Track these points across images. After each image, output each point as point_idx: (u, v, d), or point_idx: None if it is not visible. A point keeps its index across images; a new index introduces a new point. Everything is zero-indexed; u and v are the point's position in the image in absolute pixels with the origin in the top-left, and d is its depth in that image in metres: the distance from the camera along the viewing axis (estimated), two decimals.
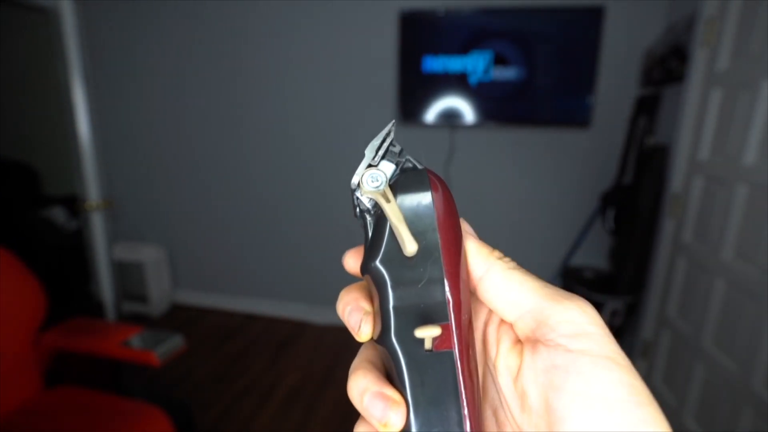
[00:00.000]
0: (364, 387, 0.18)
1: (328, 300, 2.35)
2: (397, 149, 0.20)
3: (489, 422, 0.21)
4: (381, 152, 0.20)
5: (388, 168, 0.20)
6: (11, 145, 2.49)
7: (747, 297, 1.13)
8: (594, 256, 2.03)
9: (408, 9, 1.88)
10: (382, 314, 0.18)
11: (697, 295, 1.37)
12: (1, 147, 2.46)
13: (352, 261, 0.22)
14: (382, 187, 0.19)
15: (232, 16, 2.11)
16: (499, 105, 1.90)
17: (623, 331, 1.81)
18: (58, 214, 2.29)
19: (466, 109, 1.92)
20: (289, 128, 2.20)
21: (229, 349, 2.11)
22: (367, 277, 0.19)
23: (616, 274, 1.82)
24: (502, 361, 0.20)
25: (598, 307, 1.76)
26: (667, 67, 1.57)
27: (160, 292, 2.43)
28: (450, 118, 1.94)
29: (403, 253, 0.18)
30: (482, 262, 0.20)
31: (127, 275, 2.38)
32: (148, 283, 2.36)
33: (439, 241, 0.19)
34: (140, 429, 1.03)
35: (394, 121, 0.21)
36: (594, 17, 1.74)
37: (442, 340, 0.18)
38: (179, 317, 2.43)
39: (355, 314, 0.20)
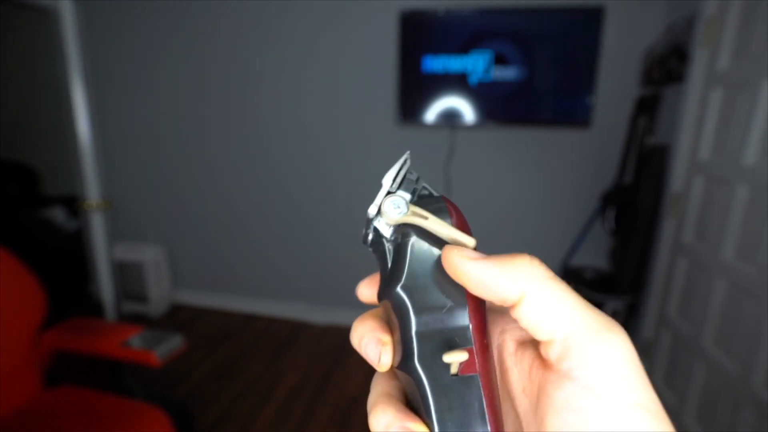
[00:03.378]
0: (387, 423, 0.18)
1: (328, 300, 2.35)
2: (414, 176, 0.21)
3: None
4: (398, 180, 0.20)
5: (404, 196, 0.20)
6: (11, 145, 2.49)
7: (747, 297, 1.13)
8: (594, 256, 2.03)
9: (408, 9, 1.88)
10: (403, 340, 0.18)
11: (697, 295, 1.37)
12: (1, 147, 2.46)
13: (367, 290, 0.22)
14: (407, 211, 0.19)
15: (231, 16, 2.11)
16: (499, 105, 1.90)
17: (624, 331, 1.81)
18: (58, 214, 2.29)
19: (466, 108, 1.92)
20: (289, 128, 2.20)
21: (229, 349, 2.10)
22: (386, 303, 0.19)
23: (617, 274, 1.82)
24: (521, 385, 0.20)
25: (598, 307, 1.76)
26: (667, 67, 1.57)
27: (160, 292, 2.43)
28: (450, 118, 1.94)
29: (424, 279, 0.19)
30: (524, 275, 0.17)
31: (127, 275, 2.38)
32: (148, 283, 2.36)
33: None
34: (140, 429, 1.03)
35: (408, 152, 0.22)
36: (594, 17, 1.74)
37: (467, 365, 0.18)
38: (179, 317, 2.43)
39: (373, 346, 0.19)
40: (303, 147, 2.21)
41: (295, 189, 2.27)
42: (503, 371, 0.21)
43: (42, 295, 1.19)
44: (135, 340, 1.13)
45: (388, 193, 0.20)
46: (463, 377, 0.18)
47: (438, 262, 0.19)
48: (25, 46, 2.42)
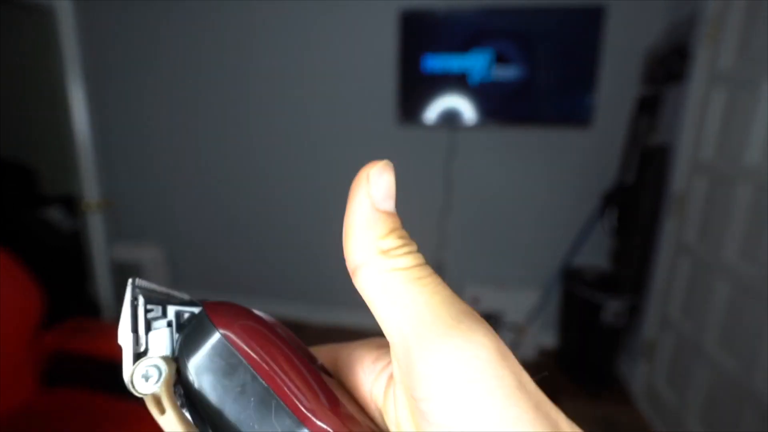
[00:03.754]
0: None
1: (328, 300, 2.34)
2: (157, 311, 0.16)
3: None
4: (141, 326, 0.15)
5: (160, 339, 0.15)
6: (10, 145, 2.48)
7: (750, 297, 1.12)
8: (595, 256, 2.02)
9: (408, 8, 1.87)
10: None
11: (699, 296, 1.36)
12: (0, 146, 2.45)
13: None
14: (159, 384, 0.14)
15: (231, 16, 2.11)
16: (499, 104, 1.89)
17: (625, 332, 1.80)
18: (57, 214, 2.28)
19: (466, 108, 1.91)
20: (289, 128, 2.19)
21: None
22: None
23: (618, 274, 1.82)
24: (395, 427, 0.16)
25: (598, 308, 1.75)
26: (668, 66, 1.57)
27: None
28: (450, 118, 1.93)
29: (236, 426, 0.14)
30: (358, 251, 0.14)
31: (127, 275, 2.35)
32: None
33: (266, 383, 0.14)
34: (139, 430, 1.02)
35: (131, 280, 0.16)
36: (595, 16, 1.74)
37: None
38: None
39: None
40: (303, 147, 2.20)
41: (295, 189, 2.26)
42: (387, 419, 0.17)
43: (40, 296, 1.18)
44: None
45: (139, 354, 0.15)
46: None
47: (256, 403, 0.14)
48: (24, 45, 2.41)
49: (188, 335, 0.15)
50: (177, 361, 0.15)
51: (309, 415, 0.14)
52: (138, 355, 0.15)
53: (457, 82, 1.89)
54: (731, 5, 1.26)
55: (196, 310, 0.16)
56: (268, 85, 2.16)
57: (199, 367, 0.14)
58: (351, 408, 0.16)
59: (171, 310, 0.16)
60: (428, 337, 0.13)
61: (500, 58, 1.84)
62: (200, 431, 0.14)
